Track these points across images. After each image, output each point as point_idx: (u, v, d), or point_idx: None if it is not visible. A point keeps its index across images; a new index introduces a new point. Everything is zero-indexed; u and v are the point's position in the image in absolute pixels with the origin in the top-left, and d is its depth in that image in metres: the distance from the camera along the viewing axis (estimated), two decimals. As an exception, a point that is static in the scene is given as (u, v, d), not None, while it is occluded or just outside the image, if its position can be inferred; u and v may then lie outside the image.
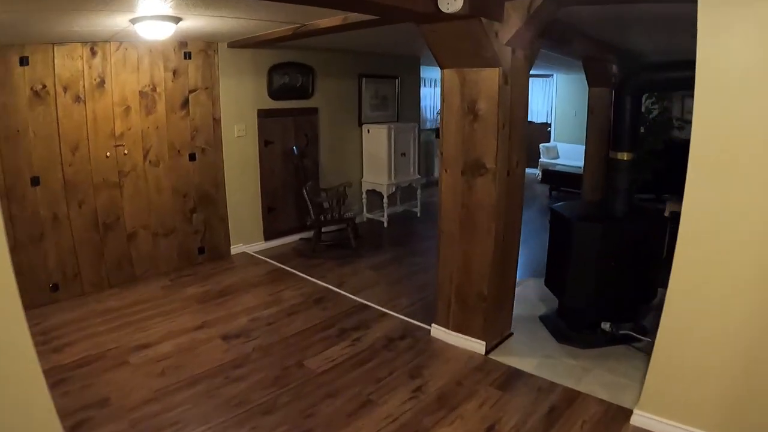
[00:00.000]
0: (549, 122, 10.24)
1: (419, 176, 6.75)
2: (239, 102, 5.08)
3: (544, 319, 3.70)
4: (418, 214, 6.87)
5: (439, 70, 3.02)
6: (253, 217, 5.40)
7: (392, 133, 6.16)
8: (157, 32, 3.30)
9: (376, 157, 6.28)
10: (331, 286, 4.40)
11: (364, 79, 6.26)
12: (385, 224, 6.35)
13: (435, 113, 9.28)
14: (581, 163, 8.65)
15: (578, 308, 3.43)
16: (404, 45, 5.75)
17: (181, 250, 4.85)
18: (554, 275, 3.60)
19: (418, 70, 7.13)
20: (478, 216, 3.03)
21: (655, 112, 5.18)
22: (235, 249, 5.27)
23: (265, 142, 5.32)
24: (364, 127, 6.34)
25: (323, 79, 5.78)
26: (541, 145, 9.62)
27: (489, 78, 2.79)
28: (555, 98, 10.03)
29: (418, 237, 6.12)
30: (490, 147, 2.87)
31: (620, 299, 3.31)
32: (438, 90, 10.04)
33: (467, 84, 2.88)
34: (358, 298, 4.14)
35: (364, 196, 6.49)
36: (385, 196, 6.25)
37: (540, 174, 9.36)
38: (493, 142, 2.86)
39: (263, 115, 5.26)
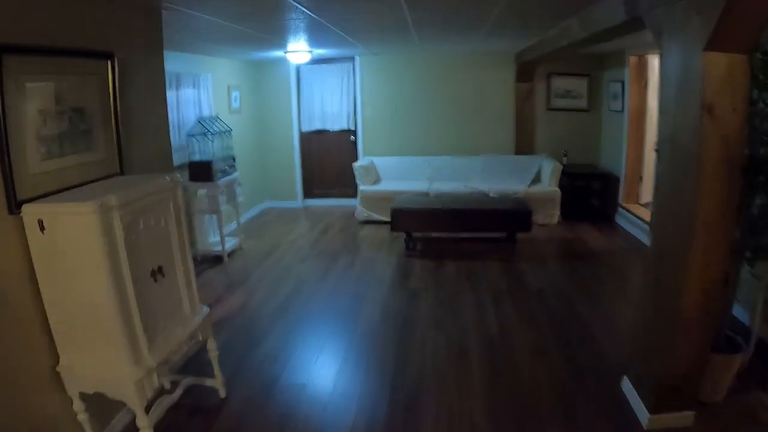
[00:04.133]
0: (352, 129, 7.07)
1: (206, 308, 2.71)
2: None
3: None
4: (222, 394, 2.85)
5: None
6: None
7: (115, 219, 1.99)
8: None
9: (83, 304, 2.02)
10: None
11: (13, 63, 1.87)
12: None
13: (185, 134, 4.99)
14: (419, 186, 5.83)
15: None
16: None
17: None
18: None
19: (161, 36, 2.97)
20: None
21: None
22: None
23: None
24: (28, 214, 1.97)
25: None
26: (355, 165, 6.41)
27: None
28: (359, 92, 6.86)
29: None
30: None
31: None
32: (204, 92, 4.76)
33: None
34: None
35: (75, 406, 2.17)
36: (139, 411, 2.11)
37: (360, 212, 6.20)
38: None
39: None
